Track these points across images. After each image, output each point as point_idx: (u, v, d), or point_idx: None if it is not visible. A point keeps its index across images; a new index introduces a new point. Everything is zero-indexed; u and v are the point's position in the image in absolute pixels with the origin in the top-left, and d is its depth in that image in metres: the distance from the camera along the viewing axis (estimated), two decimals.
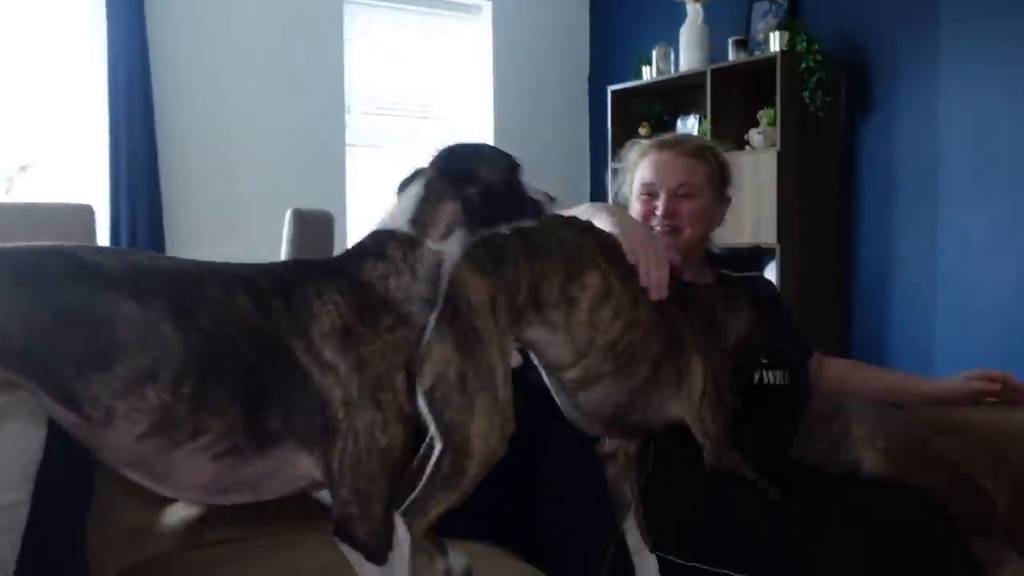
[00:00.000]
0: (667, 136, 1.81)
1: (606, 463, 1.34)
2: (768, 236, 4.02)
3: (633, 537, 1.32)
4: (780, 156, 3.94)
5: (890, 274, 3.96)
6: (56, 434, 1.20)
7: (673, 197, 1.67)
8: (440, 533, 1.10)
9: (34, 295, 0.84)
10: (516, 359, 1.18)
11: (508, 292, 1.08)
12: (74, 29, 4.19)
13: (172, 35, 4.29)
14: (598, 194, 5.31)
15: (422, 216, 1.01)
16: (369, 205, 4.97)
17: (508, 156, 1.10)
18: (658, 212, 1.66)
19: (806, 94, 3.90)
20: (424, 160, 1.10)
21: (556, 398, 1.23)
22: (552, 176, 5.55)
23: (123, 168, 4.09)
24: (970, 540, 1.52)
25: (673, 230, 1.65)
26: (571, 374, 1.17)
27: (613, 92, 4.93)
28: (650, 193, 1.68)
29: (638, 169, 1.73)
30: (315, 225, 3.02)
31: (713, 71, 4.29)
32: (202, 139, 4.38)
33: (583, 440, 1.33)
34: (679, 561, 1.34)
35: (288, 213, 2.96)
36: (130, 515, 1.44)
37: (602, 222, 1.26)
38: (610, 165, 5.00)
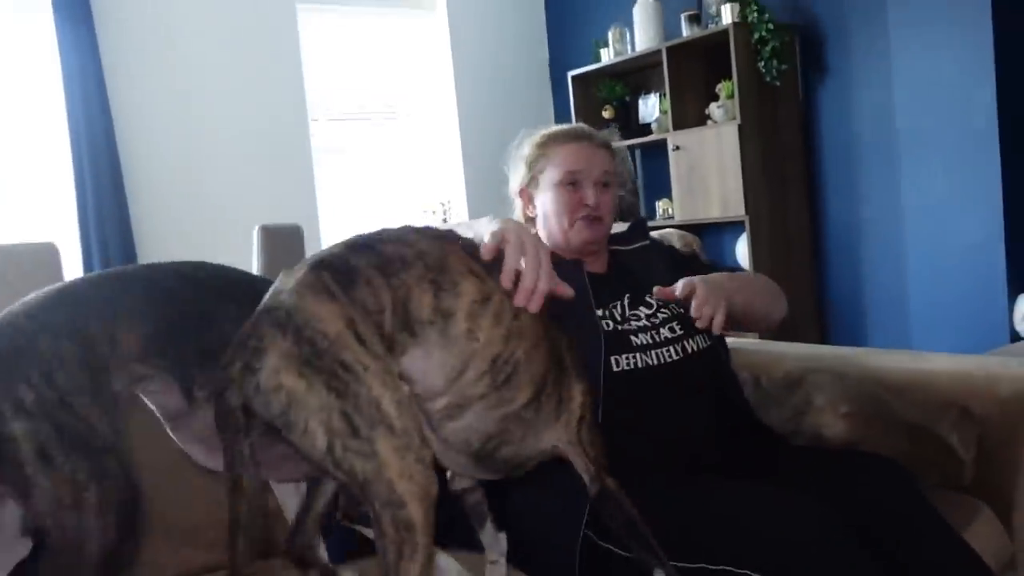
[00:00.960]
0: (569, 127, 1.73)
1: (464, 497, 1.26)
2: (736, 210, 4.05)
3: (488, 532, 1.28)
4: (741, 128, 3.96)
5: (859, 236, 4.00)
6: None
7: (597, 186, 1.66)
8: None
9: (166, 305, 1.09)
10: None
11: (368, 317, 0.95)
12: (27, 62, 4.16)
13: (126, 58, 4.26)
14: None
15: None
16: (339, 212, 4.99)
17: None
18: (589, 201, 1.65)
19: (761, 64, 3.92)
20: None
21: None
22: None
23: (89, 198, 4.07)
24: (941, 496, 1.56)
25: (596, 220, 1.66)
26: (439, 403, 1.04)
27: (573, 77, 4.95)
28: (574, 182, 1.66)
29: (551, 160, 1.68)
30: (283, 239, 3.03)
31: (669, 48, 4.30)
32: (166, 160, 4.36)
33: None
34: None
35: (255, 230, 2.96)
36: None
37: (488, 227, 1.15)
38: None
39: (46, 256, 2.00)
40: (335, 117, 5.02)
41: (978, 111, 3.33)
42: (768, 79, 3.93)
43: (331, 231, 4.93)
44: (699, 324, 1.42)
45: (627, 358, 1.52)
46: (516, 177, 1.74)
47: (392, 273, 0.99)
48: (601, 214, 1.66)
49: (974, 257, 3.42)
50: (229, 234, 4.07)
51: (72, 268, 4.11)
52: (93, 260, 4.11)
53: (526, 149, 1.71)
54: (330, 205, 4.96)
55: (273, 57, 4.70)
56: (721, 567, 1.24)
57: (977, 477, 1.68)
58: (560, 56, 5.49)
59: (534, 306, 1.09)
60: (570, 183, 1.66)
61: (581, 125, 1.75)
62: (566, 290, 1.14)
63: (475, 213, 5.29)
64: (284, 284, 0.96)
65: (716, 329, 1.42)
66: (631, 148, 4.82)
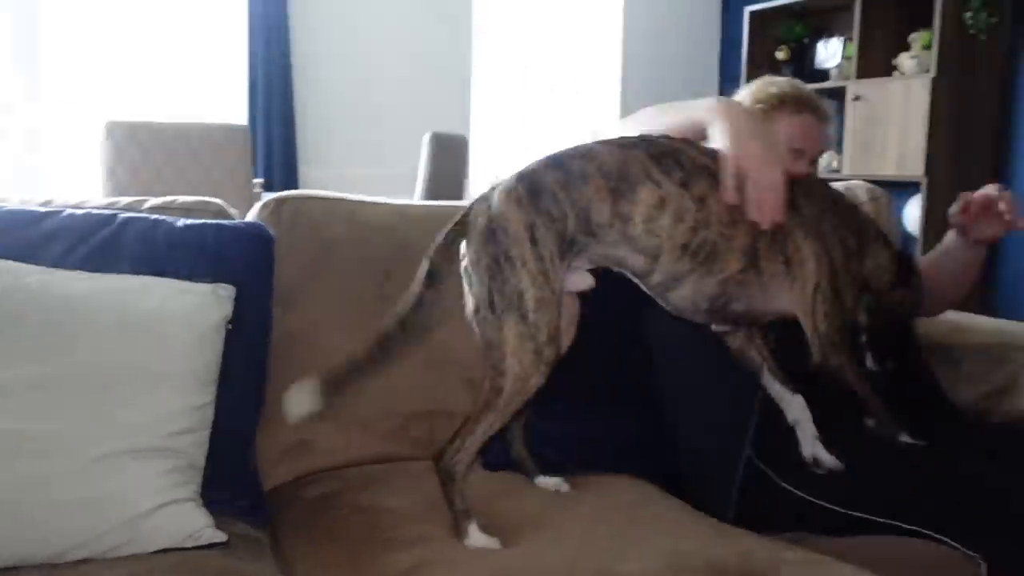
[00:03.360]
0: (806, 93, 1.64)
1: (726, 339, 1.36)
2: (914, 169, 3.81)
3: (775, 388, 1.34)
4: (935, 82, 3.70)
5: None
6: (234, 341, 1.26)
7: (805, 163, 1.60)
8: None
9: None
10: (587, 281, 1.25)
11: (551, 222, 1.15)
12: None
13: None
14: None
15: None
16: (494, 127, 4.97)
17: None
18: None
19: (968, 15, 3.63)
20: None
21: (658, 302, 1.27)
22: (675, 96, 5.43)
23: (260, 90, 4.18)
24: None
25: None
26: (654, 279, 1.22)
27: (751, 12, 4.71)
28: (793, 156, 1.57)
29: (781, 121, 1.59)
30: (451, 147, 3.04)
31: None
32: (334, 62, 4.43)
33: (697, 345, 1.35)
34: (817, 501, 1.30)
35: (426, 136, 2.97)
36: (295, 430, 1.50)
37: (717, 131, 1.23)
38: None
39: (239, 137, 2.06)
40: (499, 34, 4.97)
41: None
42: (973, 32, 3.64)
43: (481, 146, 4.92)
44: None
45: None
46: (752, 96, 1.64)
47: (574, 188, 1.17)
48: None
49: None
50: (389, 138, 4.12)
51: None
52: (257, 149, 4.24)
53: (749, 102, 1.61)
54: (484, 120, 4.94)
55: None
56: (915, 528, 1.21)
57: None
58: None
59: (770, 221, 1.19)
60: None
61: (809, 91, 1.64)
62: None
63: None
64: (498, 185, 1.20)
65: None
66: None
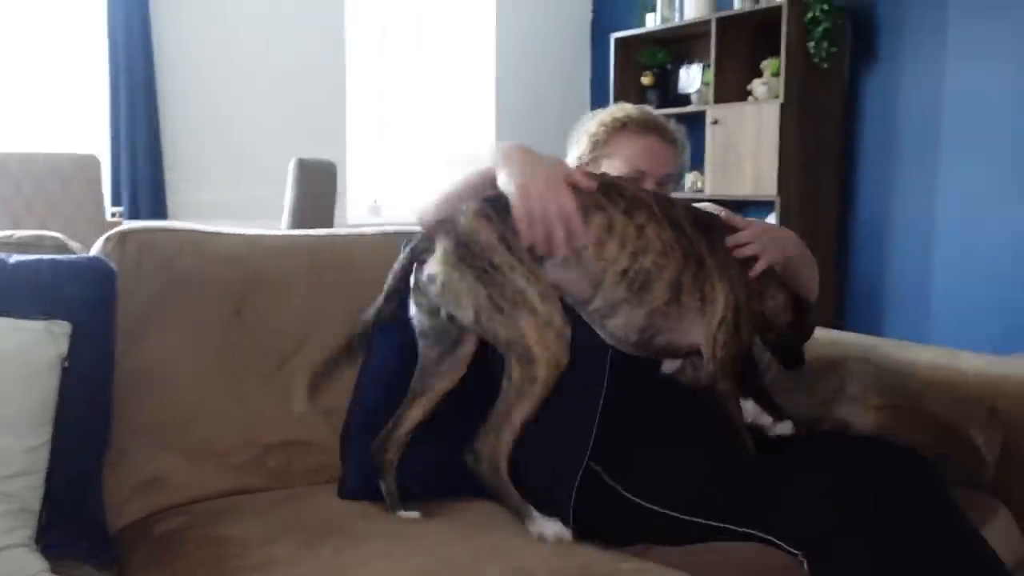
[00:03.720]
0: (646, 115, 1.66)
1: (678, 377, 1.50)
2: (768, 189, 4.02)
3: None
4: (783, 107, 3.92)
5: (889, 226, 3.98)
6: (72, 380, 1.24)
7: (656, 186, 1.60)
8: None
9: None
10: None
11: (518, 238, 1.24)
12: None
13: None
14: None
15: None
16: (370, 153, 4.97)
17: None
18: None
19: (811, 44, 3.87)
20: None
21: (595, 330, 1.39)
22: (551, 124, 5.57)
23: (123, 116, 4.06)
24: (963, 492, 1.58)
25: None
26: (594, 305, 1.33)
27: (616, 39, 4.89)
28: (637, 179, 1.59)
29: (620, 148, 1.61)
30: (318, 174, 3.02)
31: (718, 19, 4.25)
32: (201, 84, 4.34)
33: None
34: (658, 509, 1.35)
35: (292, 163, 2.96)
36: (146, 465, 1.48)
37: (502, 176, 1.28)
38: None
39: (88, 167, 2.00)
40: (373, 59, 4.98)
41: None
42: (816, 60, 3.88)
43: (359, 171, 4.91)
44: (735, 253, 1.45)
45: None
46: (576, 150, 1.66)
47: None
48: None
49: (1008, 257, 3.40)
50: (259, 164, 4.07)
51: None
52: (121, 177, 4.11)
53: (594, 127, 1.64)
54: (359, 145, 4.94)
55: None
56: (745, 530, 1.27)
57: (999, 476, 1.70)
58: (604, 17, 5.41)
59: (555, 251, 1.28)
60: (634, 179, 1.59)
61: (655, 115, 1.67)
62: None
63: None
64: (465, 210, 1.27)
65: (754, 273, 1.46)
66: (667, 118, 4.77)
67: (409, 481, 1.51)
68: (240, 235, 1.65)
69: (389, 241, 1.74)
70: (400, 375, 1.57)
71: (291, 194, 2.90)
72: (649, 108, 1.72)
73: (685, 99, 4.66)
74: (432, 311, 1.31)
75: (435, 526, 1.38)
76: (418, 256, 1.27)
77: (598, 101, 5.40)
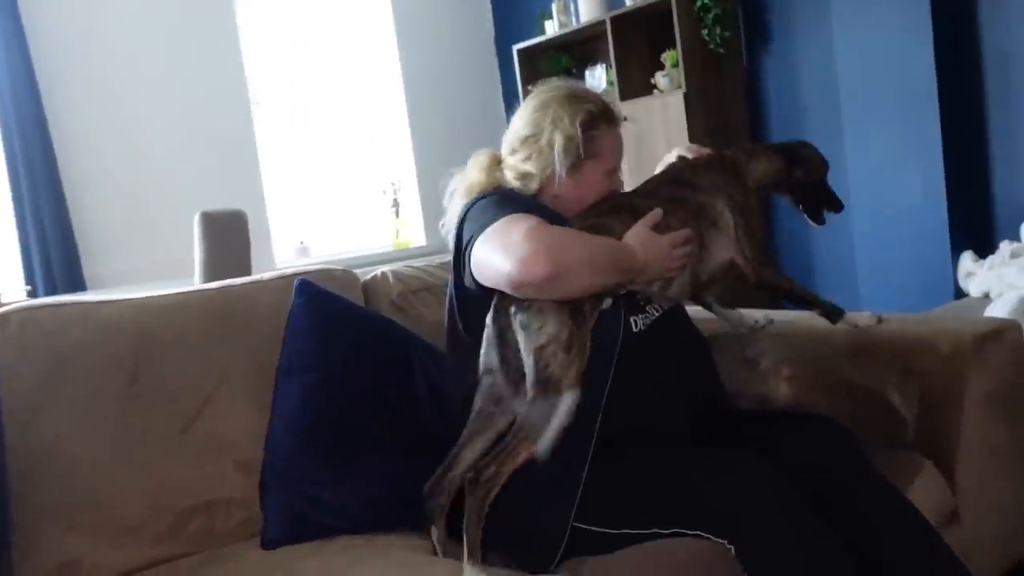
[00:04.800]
0: (608, 105, 1.58)
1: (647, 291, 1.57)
2: None
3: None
4: (687, 97, 3.97)
5: None
6: None
7: (619, 174, 1.63)
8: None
9: None
10: None
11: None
12: None
13: (57, 51, 4.12)
14: None
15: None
16: (288, 195, 4.91)
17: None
18: (614, 187, 1.62)
19: (705, 32, 3.92)
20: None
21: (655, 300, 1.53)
22: (468, 141, 5.55)
23: (25, 195, 3.95)
24: (885, 453, 1.59)
25: None
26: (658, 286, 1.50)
27: (519, 50, 4.91)
28: (610, 182, 1.59)
29: (602, 145, 1.54)
30: (226, 225, 2.97)
31: (613, 19, 4.28)
32: (104, 152, 4.24)
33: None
34: (603, 530, 1.34)
35: (196, 217, 2.90)
36: (58, 550, 1.42)
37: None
38: None
39: None
40: (279, 100, 4.93)
41: (917, 73, 3.36)
42: (712, 46, 3.93)
43: (280, 214, 4.86)
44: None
45: (642, 319, 1.50)
46: (553, 153, 1.52)
47: None
48: None
49: (917, 217, 3.47)
50: (174, 223, 3.98)
51: (11, 265, 4.01)
52: (32, 258, 3.99)
53: (567, 122, 1.51)
54: (278, 189, 4.88)
55: (210, 42, 4.58)
56: (673, 530, 1.27)
57: (920, 433, 1.71)
58: (505, 30, 5.44)
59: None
60: (612, 172, 1.58)
61: (611, 100, 1.61)
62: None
63: (425, 191, 5.25)
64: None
65: None
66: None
67: (341, 520, 1.49)
68: (128, 300, 1.61)
69: (287, 284, 1.71)
70: (311, 420, 1.55)
71: (200, 248, 2.84)
72: (608, 98, 1.65)
73: None
74: (514, 343, 1.36)
75: (372, 565, 1.35)
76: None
77: (512, 113, 5.40)
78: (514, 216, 1.38)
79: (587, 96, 1.57)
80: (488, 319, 1.41)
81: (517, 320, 1.34)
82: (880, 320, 1.67)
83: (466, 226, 1.46)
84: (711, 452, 1.37)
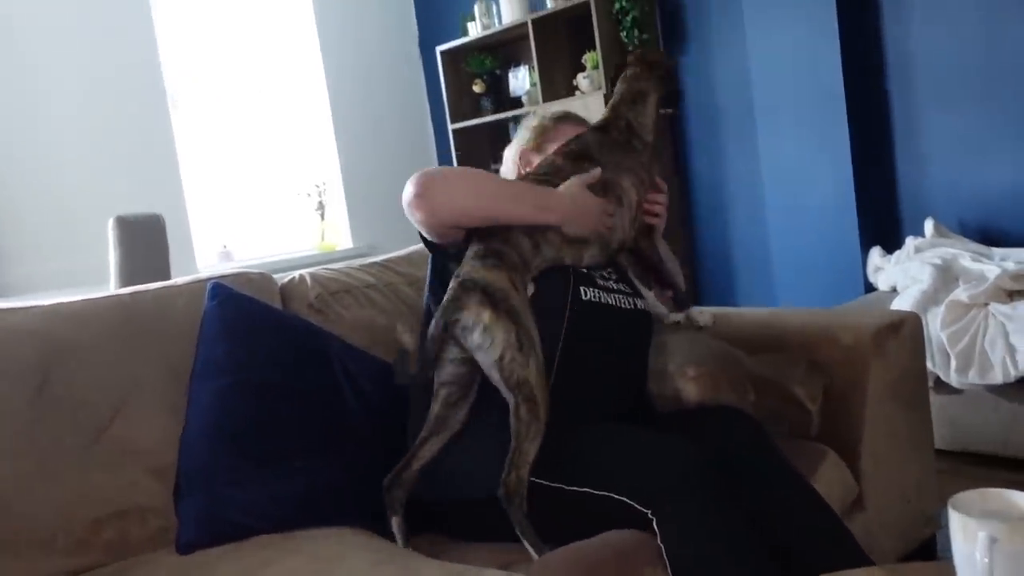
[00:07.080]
0: (575, 114, 1.98)
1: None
2: None
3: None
4: (607, 98, 4.03)
5: (724, 200, 4.14)
6: None
7: None
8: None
9: None
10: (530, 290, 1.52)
11: (516, 271, 1.45)
12: None
13: None
14: (445, 154, 5.32)
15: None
16: (211, 198, 4.83)
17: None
18: None
19: (623, 33, 3.99)
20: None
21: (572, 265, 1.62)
22: (393, 141, 5.59)
23: None
24: (791, 444, 1.65)
25: None
26: (587, 255, 1.62)
27: (442, 52, 4.92)
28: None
29: (562, 133, 1.87)
30: (142, 230, 2.92)
31: (534, 20, 4.32)
32: (12, 156, 4.11)
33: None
34: (542, 482, 1.41)
35: (110, 222, 2.84)
36: None
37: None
38: (450, 126, 5.02)
39: None
40: (200, 102, 4.85)
41: (825, 74, 3.47)
42: (631, 48, 4.00)
43: (202, 218, 4.78)
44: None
45: (593, 291, 1.61)
46: (519, 141, 1.94)
47: (508, 241, 1.50)
48: None
49: (828, 214, 3.58)
50: (90, 228, 3.88)
51: None
52: None
53: (536, 121, 1.94)
54: (200, 192, 4.79)
55: (125, 40, 4.47)
56: (603, 493, 1.35)
57: (825, 423, 1.79)
58: (428, 32, 5.44)
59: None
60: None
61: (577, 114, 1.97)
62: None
63: (351, 193, 5.22)
64: (464, 270, 1.44)
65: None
66: (504, 121, 4.84)
67: (257, 519, 1.49)
68: (37, 307, 1.58)
69: (202, 288, 1.70)
70: (225, 421, 1.55)
71: (115, 254, 2.78)
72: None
73: (517, 101, 4.73)
74: (464, 360, 1.43)
75: (288, 562, 1.35)
76: (450, 317, 1.39)
77: (436, 113, 5.42)
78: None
79: (563, 111, 2.00)
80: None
81: (471, 343, 1.40)
82: (715, 322, 1.81)
83: None
84: (647, 429, 1.45)
